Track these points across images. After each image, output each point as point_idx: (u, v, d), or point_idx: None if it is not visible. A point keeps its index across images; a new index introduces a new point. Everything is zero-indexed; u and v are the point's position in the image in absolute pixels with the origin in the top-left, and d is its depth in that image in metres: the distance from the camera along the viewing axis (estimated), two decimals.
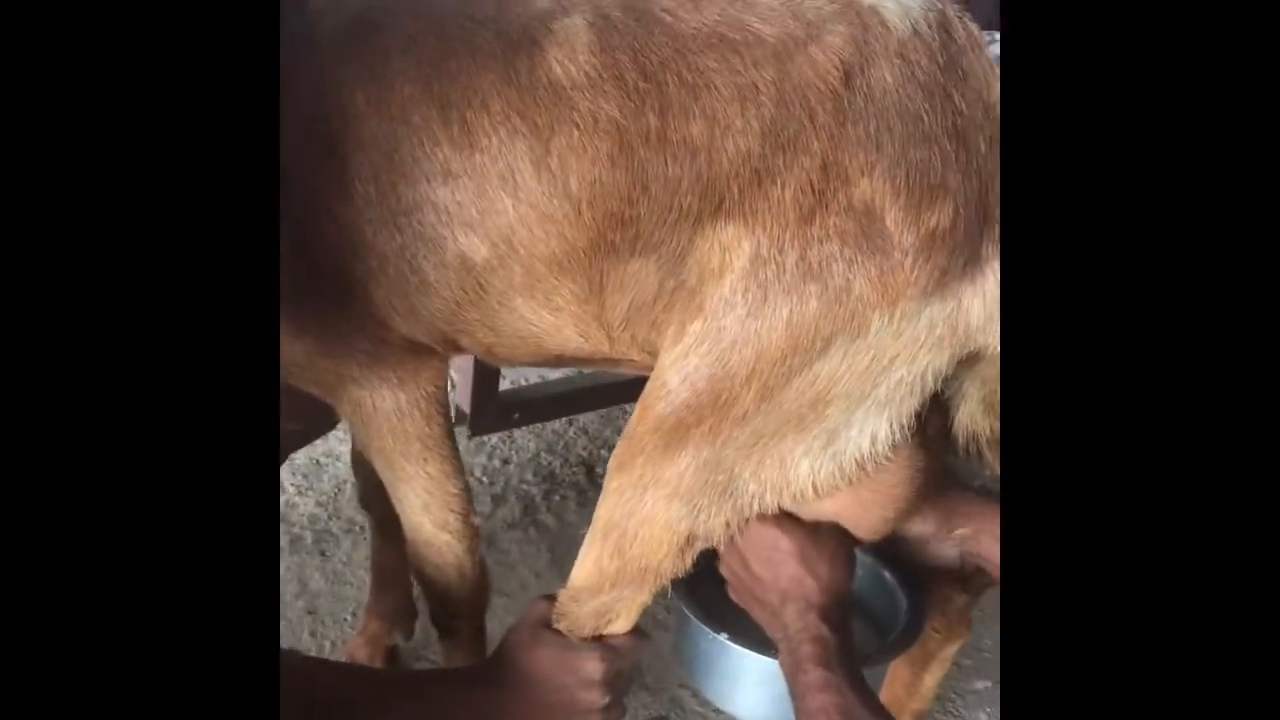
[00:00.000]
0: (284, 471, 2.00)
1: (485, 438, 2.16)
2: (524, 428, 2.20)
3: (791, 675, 1.04)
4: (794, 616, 1.07)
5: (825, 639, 1.04)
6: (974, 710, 1.74)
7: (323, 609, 1.77)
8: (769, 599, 1.10)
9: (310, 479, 2.03)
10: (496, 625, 1.71)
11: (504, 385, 2.08)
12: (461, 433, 2.02)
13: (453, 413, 2.17)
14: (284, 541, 1.89)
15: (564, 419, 2.26)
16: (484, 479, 2.12)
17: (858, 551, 1.27)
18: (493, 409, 1.99)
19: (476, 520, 1.26)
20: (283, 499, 1.98)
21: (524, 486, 2.11)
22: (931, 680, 1.46)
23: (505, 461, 2.17)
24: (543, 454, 2.18)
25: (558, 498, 2.07)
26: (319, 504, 1.97)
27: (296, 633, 1.72)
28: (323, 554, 1.88)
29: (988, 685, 1.77)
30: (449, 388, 1.23)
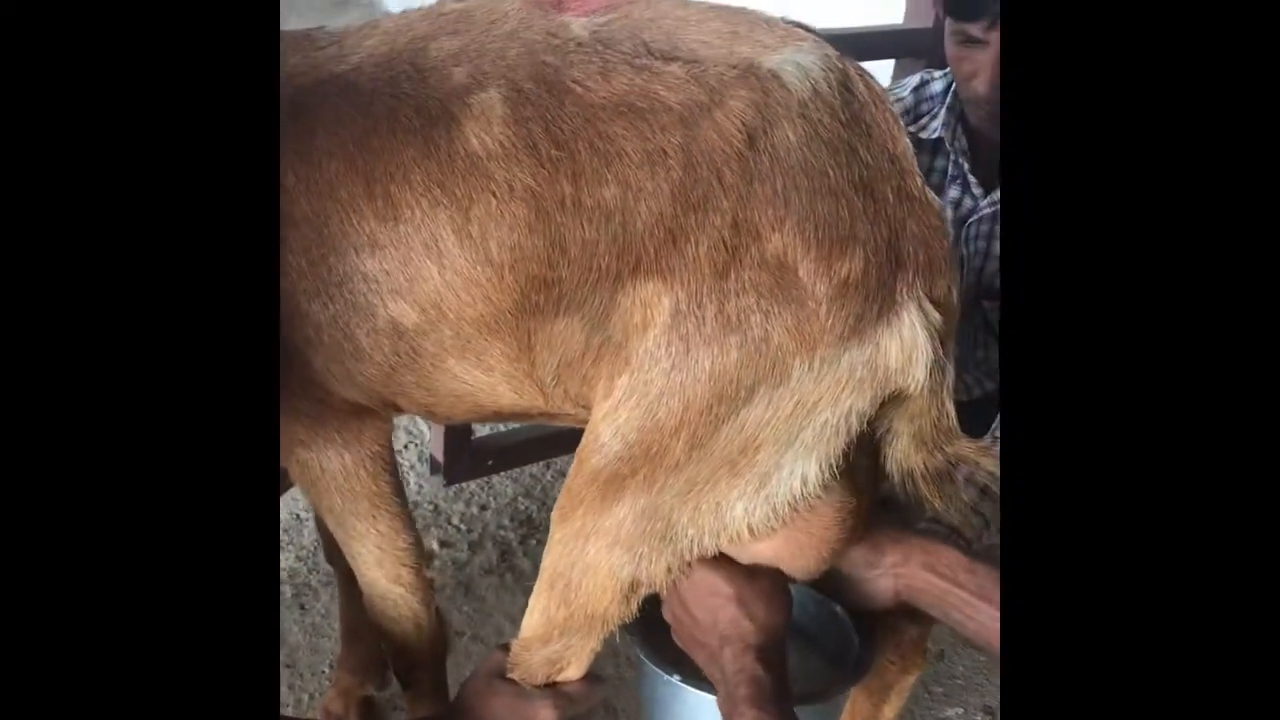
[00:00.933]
0: None
1: (463, 484, 2.19)
2: (502, 473, 2.23)
3: (728, 714, 1.06)
4: (731, 658, 1.09)
5: (761, 680, 1.06)
6: None
7: (300, 662, 1.80)
8: (709, 641, 1.12)
9: (290, 533, 2.06)
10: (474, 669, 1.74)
11: (479, 431, 2.11)
12: (438, 481, 2.06)
13: (428, 462, 2.21)
14: None
15: (541, 463, 2.29)
16: (461, 526, 2.15)
17: (811, 588, 1.30)
18: (467, 457, 2.03)
19: (430, 574, 1.29)
20: None
21: (501, 532, 2.14)
22: (891, 711, 1.48)
23: (483, 508, 2.20)
24: (520, 499, 2.21)
25: (534, 542, 2.10)
26: (299, 558, 2.00)
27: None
28: (301, 607, 1.91)
29: (959, 712, 1.79)
30: (406, 443, 1.27)
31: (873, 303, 0.98)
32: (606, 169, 0.96)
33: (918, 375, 1.01)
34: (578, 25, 1.02)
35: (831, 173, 0.97)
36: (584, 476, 1.05)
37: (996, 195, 1.72)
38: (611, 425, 1.02)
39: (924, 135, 1.74)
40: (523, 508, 2.19)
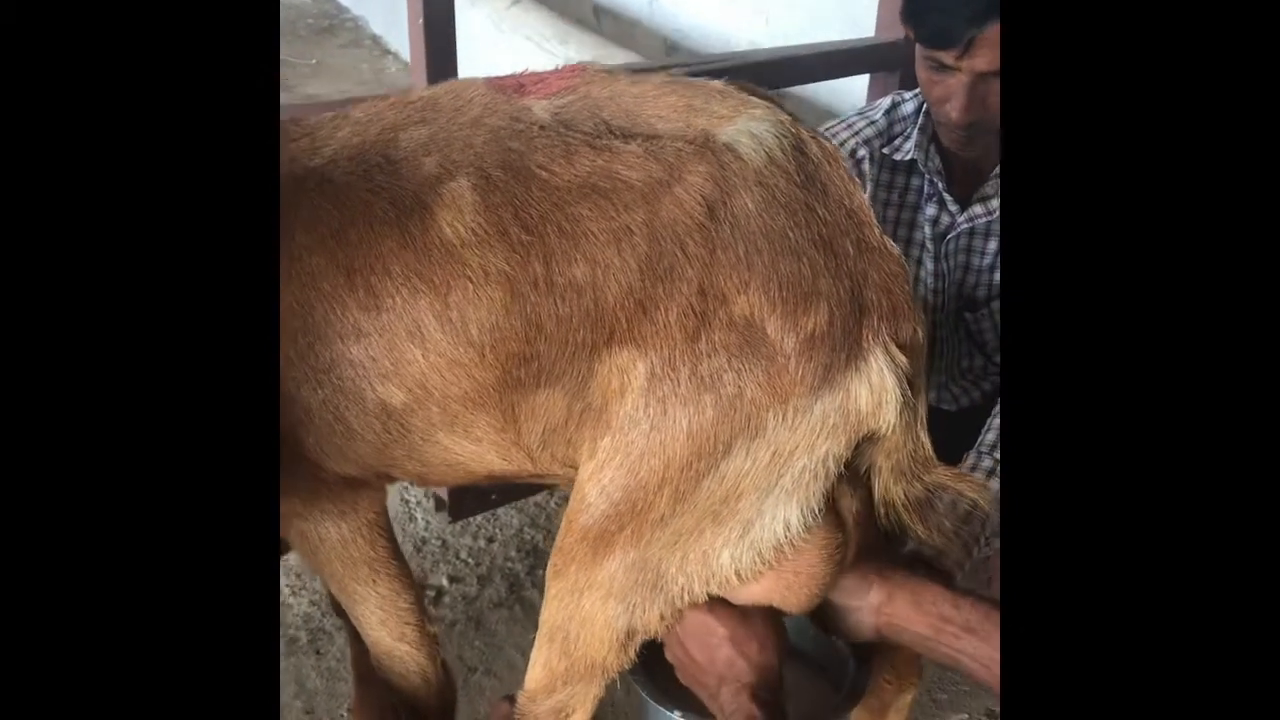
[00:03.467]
0: None
1: (470, 518, 2.23)
2: (506, 505, 2.27)
3: None
4: (728, 697, 1.13)
5: (756, 717, 1.10)
6: None
7: (319, 707, 1.84)
8: (707, 681, 1.16)
9: (304, 579, 2.11)
10: (485, 707, 1.79)
11: None
12: (444, 517, 2.10)
13: (433, 499, 2.25)
14: (280, 643, 1.97)
15: (545, 492, 2.33)
16: (469, 560, 2.19)
17: (808, 619, 1.34)
18: (471, 493, 2.06)
19: (433, 629, 1.34)
20: None
21: (508, 564, 2.18)
22: None
23: (490, 540, 2.24)
24: (525, 529, 2.26)
25: (541, 572, 2.13)
26: (312, 603, 2.05)
27: None
28: (317, 652, 1.96)
29: (964, 718, 1.83)
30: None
31: (840, 352, 1.02)
32: (575, 249, 1.00)
33: (889, 417, 1.05)
34: (539, 108, 1.06)
35: (791, 233, 1.01)
36: (574, 535, 1.10)
37: (974, 211, 1.75)
38: (597, 485, 1.07)
39: (898, 157, 1.77)
40: (529, 538, 2.24)
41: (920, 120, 1.74)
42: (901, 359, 1.06)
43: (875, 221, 1.07)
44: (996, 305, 1.85)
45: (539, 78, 1.09)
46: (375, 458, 1.14)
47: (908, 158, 1.76)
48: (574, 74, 1.09)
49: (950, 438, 1.65)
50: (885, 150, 1.78)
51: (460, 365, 1.04)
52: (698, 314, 1.00)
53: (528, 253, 1.00)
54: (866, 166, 1.78)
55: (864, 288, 1.04)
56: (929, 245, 1.81)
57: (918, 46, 1.62)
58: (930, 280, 1.84)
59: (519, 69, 1.14)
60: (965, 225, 1.77)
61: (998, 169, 1.72)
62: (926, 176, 1.76)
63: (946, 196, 1.76)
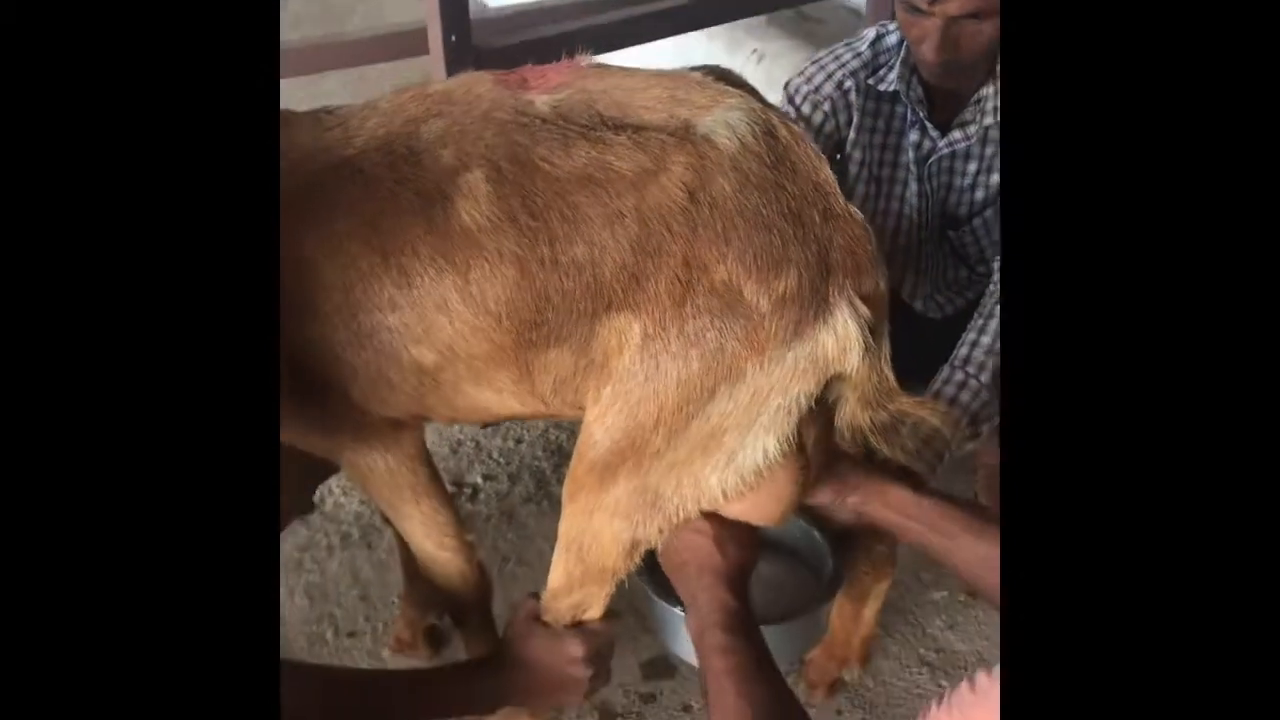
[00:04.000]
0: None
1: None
2: None
3: (697, 638, 1.28)
4: (706, 586, 1.31)
5: (730, 606, 1.28)
6: (930, 618, 2.02)
7: (373, 595, 2.08)
8: (688, 572, 1.34)
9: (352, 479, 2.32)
10: (519, 591, 2.02)
11: None
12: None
13: None
14: (335, 539, 2.20)
15: None
16: (500, 459, 2.41)
17: (796, 517, 1.54)
18: None
19: (470, 537, 1.55)
20: (330, 500, 2.29)
21: (536, 462, 2.39)
22: (870, 612, 1.74)
23: (518, 441, 2.45)
24: (551, 430, 2.46)
25: (566, 469, 2.35)
26: (362, 503, 2.26)
27: (353, 618, 2.03)
28: (369, 546, 2.19)
29: (944, 595, 2.05)
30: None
31: (809, 308, 1.19)
32: (575, 232, 1.16)
33: (853, 360, 1.22)
34: (540, 102, 1.20)
35: (763, 209, 1.17)
36: (584, 466, 1.29)
37: (953, 136, 1.88)
38: (602, 426, 1.25)
39: (882, 87, 1.90)
40: (554, 438, 2.44)
41: (903, 53, 1.86)
42: (864, 310, 1.21)
43: (839, 192, 1.22)
44: (978, 222, 1.99)
45: (540, 73, 1.23)
46: (412, 405, 1.33)
47: (891, 88, 1.88)
48: (571, 68, 1.23)
49: (937, 343, 1.83)
50: (870, 81, 1.90)
51: (481, 331, 1.22)
52: (683, 282, 1.17)
53: (535, 236, 1.17)
54: (853, 97, 1.91)
55: (830, 250, 1.20)
56: (913, 169, 1.94)
57: None
58: (915, 201, 1.98)
59: None
60: (946, 150, 1.90)
61: (975, 97, 1.84)
62: (909, 106, 1.89)
63: (928, 124, 1.89)
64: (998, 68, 1.80)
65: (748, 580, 1.35)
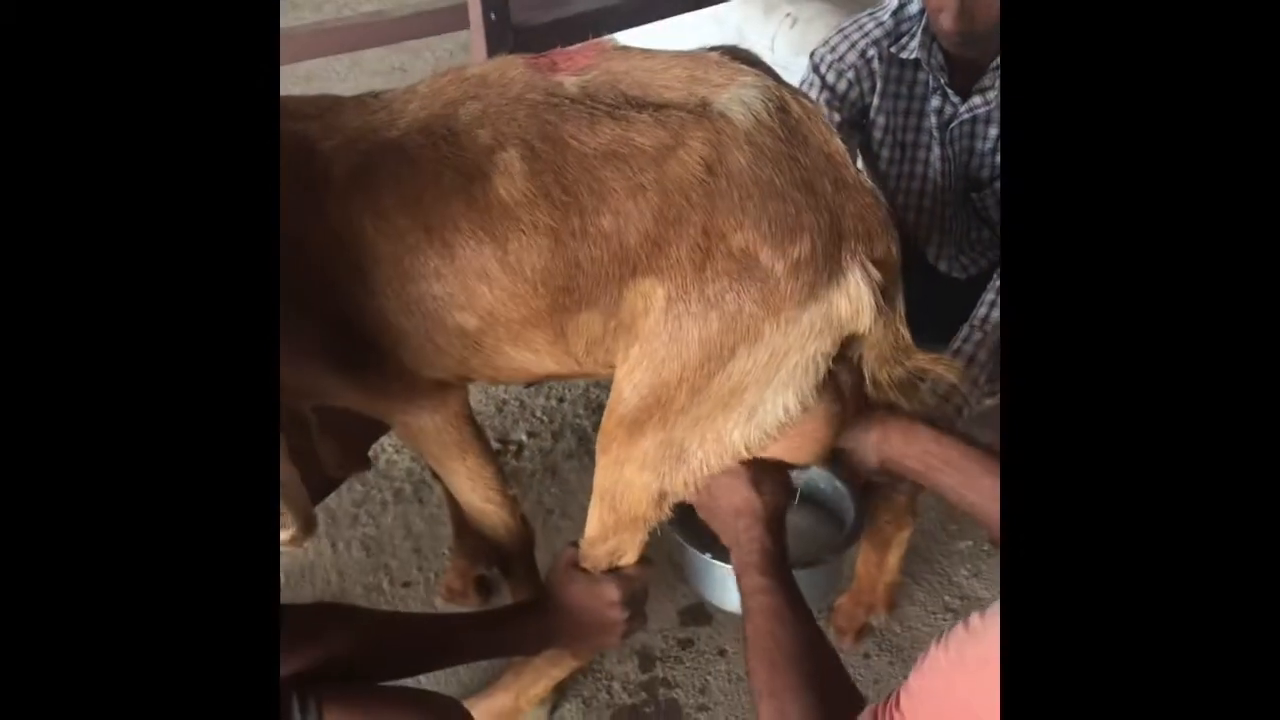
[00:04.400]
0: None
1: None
2: None
3: (740, 574, 1.38)
4: (744, 529, 1.40)
5: (767, 548, 1.38)
6: (956, 567, 2.11)
7: (425, 547, 2.20)
8: (726, 516, 1.43)
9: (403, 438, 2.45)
10: (562, 542, 2.12)
11: None
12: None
13: None
14: (388, 494, 2.33)
15: None
16: (544, 417, 2.52)
17: (821, 469, 1.63)
18: None
19: (513, 491, 1.66)
20: (383, 457, 2.41)
21: (577, 420, 2.50)
22: (893, 560, 1.83)
23: (560, 400, 2.56)
24: (591, 389, 2.56)
25: None
26: (413, 460, 2.39)
27: (407, 568, 2.15)
28: (420, 501, 2.31)
29: (969, 544, 2.13)
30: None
31: (822, 272, 1.27)
32: (603, 204, 1.25)
33: (865, 320, 1.30)
34: (569, 83, 1.29)
35: (777, 180, 1.25)
36: (614, 421, 1.38)
37: (973, 101, 1.95)
38: (630, 383, 1.34)
39: (904, 55, 1.96)
40: (594, 396, 2.55)
41: (924, 22, 1.92)
42: (875, 273, 1.29)
43: (850, 163, 1.30)
44: (999, 184, 2.05)
45: (568, 56, 1.32)
46: (457, 367, 1.43)
47: (913, 56, 1.94)
48: (597, 51, 1.32)
49: (961, 303, 1.90)
50: (893, 49, 1.97)
51: (519, 297, 1.31)
52: (703, 249, 1.25)
53: (566, 209, 1.26)
54: (876, 65, 1.98)
55: (842, 218, 1.28)
56: (935, 133, 2.01)
57: None
58: (938, 164, 2.04)
59: None
60: (967, 115, 1.96)
61: (993, 64, 1.90)
62: (930, 73, 1.95)
63: (948, 90, 1.95)
64: None
65: (783, 521, 1.44)
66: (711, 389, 1.32)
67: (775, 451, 1.42)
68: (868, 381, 1.42)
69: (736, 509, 1.42)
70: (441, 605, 2.05)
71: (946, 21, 1.77)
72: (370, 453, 2.29)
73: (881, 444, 1.50)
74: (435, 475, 1.93)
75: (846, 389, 1.44)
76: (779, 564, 1.39)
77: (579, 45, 1.35)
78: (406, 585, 2.12)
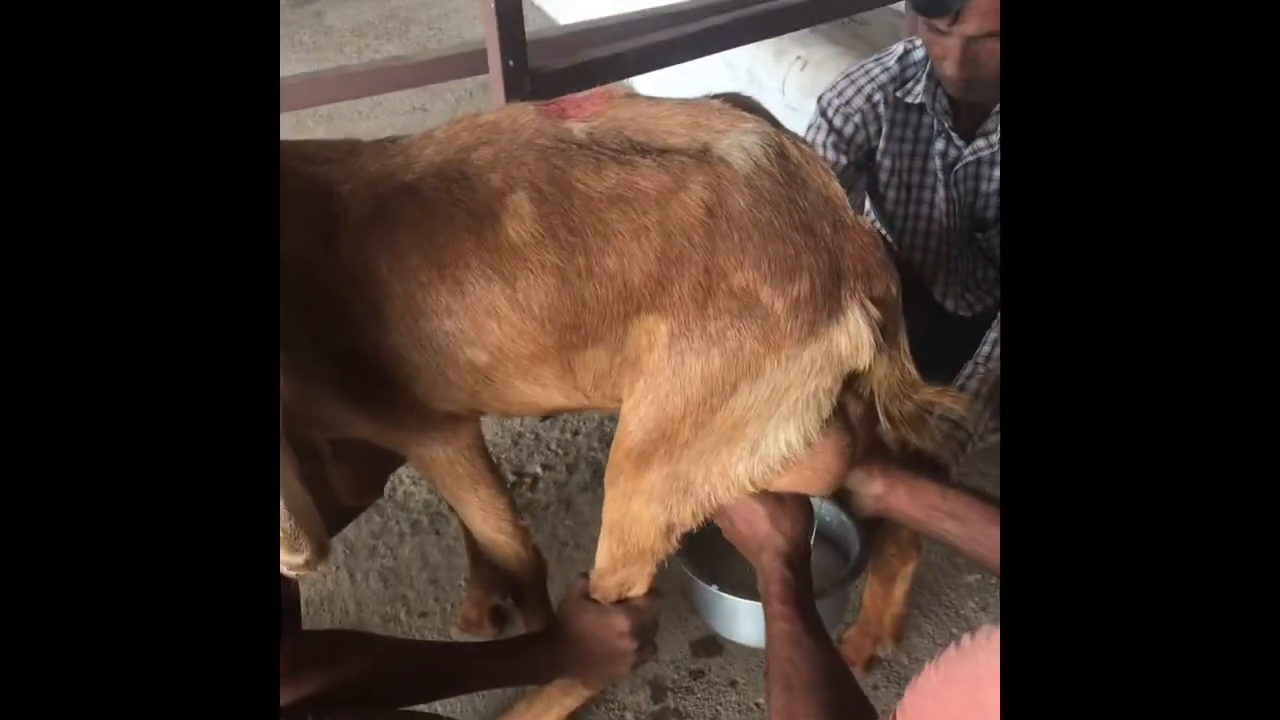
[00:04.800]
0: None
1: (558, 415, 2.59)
2: None
3: (765, 603, 1.43)
4: (767, 561, 1.46)
5: (788, 580, 1.43)
6: (964, 600, 2.13)
7: (442, 578, 2.24)
8: (751, 548, 1.49)
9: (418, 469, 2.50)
10: (576, 573, 2.15)
11: None
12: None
13: None
14: (406, 526, 2.37)
15: None
16: (558, 450, 2.56)
17: (828, 502, 1.67)
18: None
19: (524, 522, 1.70)
20: (400, 489, 2.46)
21: (592, 453, 2.55)
22: (899, 592, 1.86)
23: (575, 433, 2.60)
24: (605, 422, 2.61)
25: None
26: (430, 492, 2.44)
27: (423, 599, 2.20)
28: (437, 532, 2.36)
29: (977, 578, 2.15)
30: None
31: (822, 310, 1.31)
32: (608, 245, 1.30)
33: (864, 357, 1.34)
34: (578, 129, 1.35)
35: (776, 222, 1.30)
36: (621, 454, 1.43)
37: (978, 144, 1.99)
38: (636, 417, 1.39)
39: (910, 100, 2.01)
40: (608, 429, 2.58)
41: (928, 67, 1.97)
42: (874, 311, 1.33)
43: (848, 205, 1.34)
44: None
45: (576, 103, 1.38)
46: (469, 400, 1.48)
47: (918, 100, 1.99)
48: (604, 99, 1.37)
49: (966, 340, 1.94)
50: (898, 94, 2.02)
51: (527, 333, 1.36)
52: (705, 288, 1.30)
53: (573, 250, 1.31)
54: (882, 109, 2.03)
55: (841, 258, 1.32)
56: (940, 175, 2.05)
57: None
58: (943, 205, 2.09)
59: None
60: (971, 157, 2.01)
61: (998, 106, 1.95)
62: (935, 116, 2.00)
63: (953, 134, 2.00)
64: None
65: (806, 552, 1.48)
66: (715, 423, 1.36)
67: (788, 483, 1.46)
68: (881, 416, 1.46)
69: (760, 543, 1.47)
70: (457, 635, 2.09)
71: (950, 69, 1.81)
72: (388, 485, 2.34)
73: (886, 495, 1.54)
74: (451, 507, 1.98)
75: (857, 421, 1.47)
76: (800, 593, 1.42)
77: (587, 92, 1.41)
78: (423, 615, 2.16)
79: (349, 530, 2.30)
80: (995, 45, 1.77)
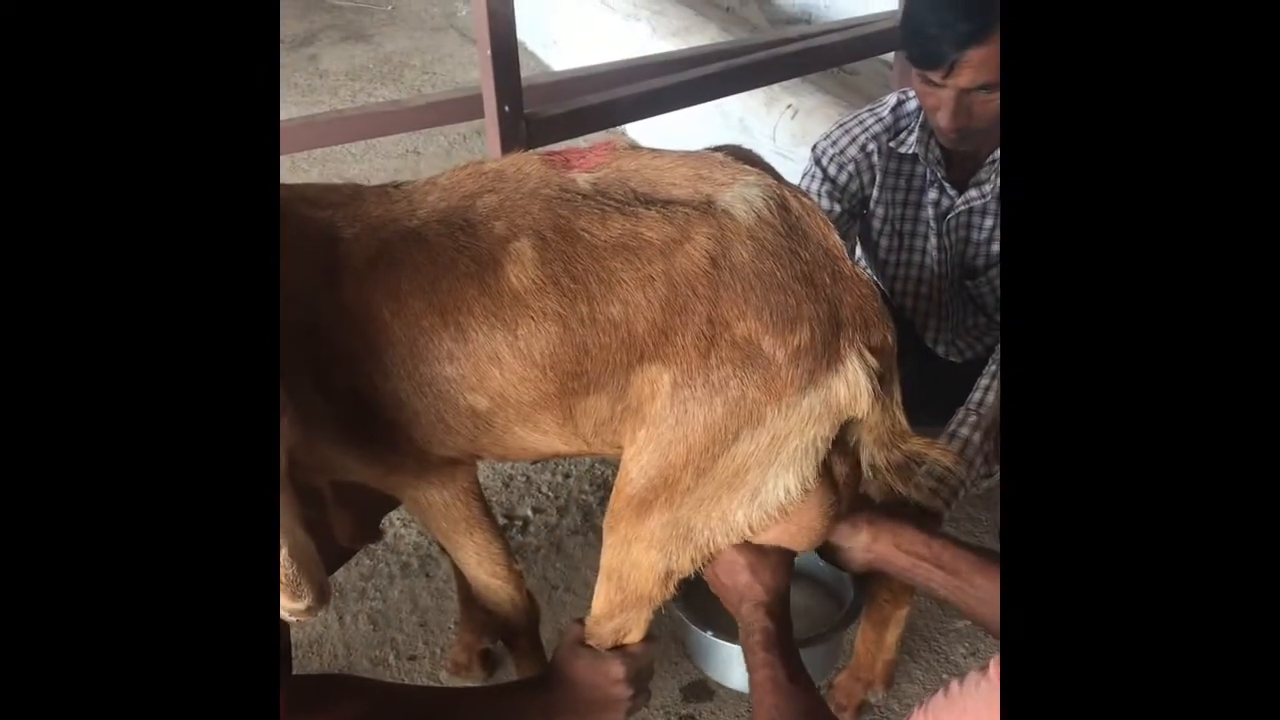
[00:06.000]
0: None
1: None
2: None
3: (747, 653, 1.44)
4: (748, 611, 1.47)
5: (769, 629, 1.44)
6: (954, 645, 2.14)
7: (432, 621, 2.23)
8: (732, 599, 1.50)
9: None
10: (567, 618, 2.16)
11: None
12: None
13: None
14: (395, 568, 2.36)
15: None
16: (549, 493, 2.56)
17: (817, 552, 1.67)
18: None
19: (519, 566, 1.70)
20: (391, 531, 2.45)
21: (583, 496, 2.55)
22: (891, 638, 1.87)
23: (566, 476, 2.61)
24: (596, 465, 2.61)
25: None
26: (420, 534, 2.43)
27: (413, 642, 2.19)
28: (427, 575, 2.35)
29: (966, 624, 2.16)
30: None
31: (821, 359, 1.33)
32: (611, 293, 1.32)
33: (863, 406, 1.35)
34: (582, 180, 1.37)
35: (778, 273, 1.31)
36: (622, 501, 1.43)
37: (970, 195, 2.02)
38: (637, 465, 1.40)
39: (903, 150, 2.04)
40: (599, 473, 2.59)
41: (921, 118, 2.00)
42: (872, 360, 1.35)
43: (847, 256, 1.36)
44: (994, 273, 2.12)
45: (581, 154, 1.40)
46: (468, 445, 1.48)
47: (911, 151, 2.03)
48: (608, 150, 1.39)
49: (957, 386, 1.96)
50: (891, 144, 2.05)
51: (528, 380, 1.37)
52: (708, 337, 1.31)
53: (575, 297, 1.32)
54: (875, 158, 2.06)
55: (840, 308, 1.34)
56: (933, 224, 2.08)
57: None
58: (935, 254, 2.11)
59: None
60: (963, 207, 2.04)
61: (989, 158, 1.98)
62: (927, 167, 2.03)
63: (945, 184, 2.03)
64: None
65: (785, 600, 1.49)
66: (716, 470, 1.37)
67: (771, 538, 1.47)
68: (865, 466, 1.47)
69: (740, 594, 1.48)
70: (447, 679, 2.08)
71: (943, 120, 1.84)
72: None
73: (872, 545, 1.56)
74: (442, 549, 1.98)
75: (841, 480, 1.48)
76: (781, 641, 1.44)
77: (592, 143, 1.43)
78: (413, 659, 2.15)
79: (339, 573, 2.28)
80: (988, 98, 1.80)
